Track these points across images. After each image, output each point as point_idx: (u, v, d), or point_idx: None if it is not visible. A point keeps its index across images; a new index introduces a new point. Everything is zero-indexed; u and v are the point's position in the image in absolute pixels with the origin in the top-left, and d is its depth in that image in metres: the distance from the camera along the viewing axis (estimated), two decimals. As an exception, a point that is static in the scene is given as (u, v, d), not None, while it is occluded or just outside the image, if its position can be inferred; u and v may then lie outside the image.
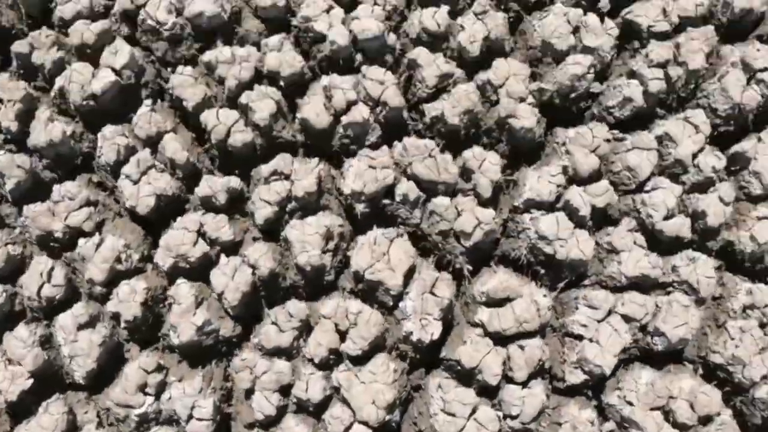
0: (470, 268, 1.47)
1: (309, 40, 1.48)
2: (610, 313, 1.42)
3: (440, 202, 1.42)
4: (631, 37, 1.51)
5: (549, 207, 1.43)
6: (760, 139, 1.49)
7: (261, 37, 1.50)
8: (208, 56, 1.44)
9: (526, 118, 1.43)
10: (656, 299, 1.43)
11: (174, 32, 1.44)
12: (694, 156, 1.44)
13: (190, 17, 1.44)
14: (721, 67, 1.49)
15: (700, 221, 1.44)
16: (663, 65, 1.46)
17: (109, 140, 1.41)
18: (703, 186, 1.45)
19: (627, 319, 1.41)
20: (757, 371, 1.39)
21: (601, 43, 1.45)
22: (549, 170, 1.43)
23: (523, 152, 1.50)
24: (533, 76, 1.52)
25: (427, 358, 1.46)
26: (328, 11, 1.46)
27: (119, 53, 1.42)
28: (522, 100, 1.45)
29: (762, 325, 1.41)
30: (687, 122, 1.44)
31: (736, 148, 1.47)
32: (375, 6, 1.48)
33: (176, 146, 1.40)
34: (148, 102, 1.42)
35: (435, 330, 1.39)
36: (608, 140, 1.49)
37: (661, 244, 1.45)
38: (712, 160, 1.43)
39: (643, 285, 1.43)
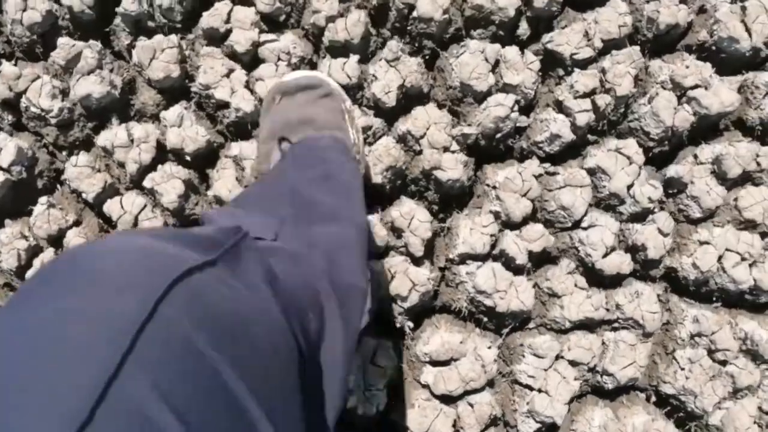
0: (411, 324, 1.42)
1: (212, 105, 1.37)
2: (557, 358, 1.38)
3: (372, 266, 1.35)
4: (554, 65, 1.42)
5: (484, 257, 1.37)
6: (696, 157, 1.43)
7: (159, 108, 1.38)
8: (102, 140, 1.32)
9: (452, 169, 1.36)
10: (603, 336, 1.40)
11: (62, 117, 1.32)
12: (629, 187, 1.38)
13: (77, 100, 1.32)
14: (650, 88, 1.43)
15: (641, 253, 1.39)
16: (589, 94, 1.39)
17: (8, 245, 1.31)
18: (641, 216, 1.40)
19: (574, 363, 1.37)
20: (709, 401, 1.38)
21: (523, 79, 1.36)
22: (481, 221, 1.37)
23: (453, 196, 1.43)
24: (455, 114, 1.43)
25: (377, 418, 1.41)
26: (228, 75, 1.35)
27: (4, 150, 1.30)
28: (446, 149, 1.37)
29: (710, 352, 1.39)
30: (619, 154, 1.38)
31: (671, 172, 1.41)
32: (279, 62, 1.37)
33: (81, 242, 1.30)
34: (43, 200, 1.31)
35: (380, 401, 1.35)
36: (540, 175, 1.42)
37: (603, 278, 1.40)
38: (648, 191, 1.37)
39: (589, 324, 1.39)
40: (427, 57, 1.47)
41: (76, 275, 0.49)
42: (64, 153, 1.39)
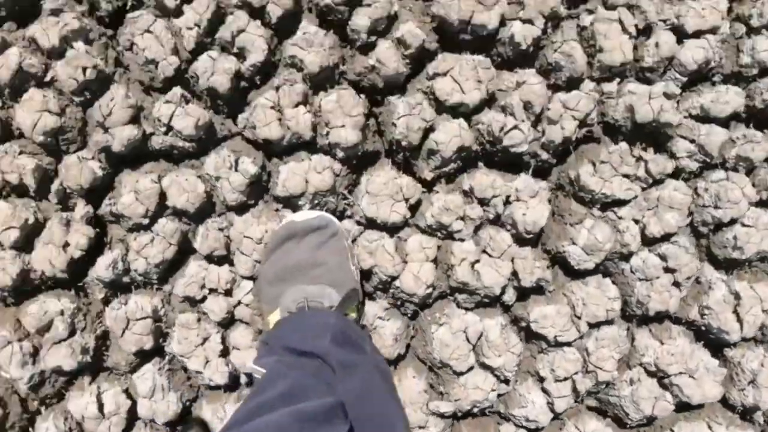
0: None
1: (186, 368, 1.35)
2: None
3: None
4: (537, 337, 1.39)
5: None
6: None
7: (131, 366, 1.36)
8: (73, 407, 1.31)
9: (424, 452, 1.35)
10: None
11: (33, 382, 1.30)
12: (601, 473, 1.37)
13: (47, 369, 1.30)
14: (634, 364, 1.40)
15: None
16: (569, 377, 1.36)
17: None
18: (611, 497, 1.40)
19: None
20: None
21: (504, 362, 1.35)
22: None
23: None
24: (433, 371, 1.41)
25: None
26: (203, 343, 1.32)
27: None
28: (421, 428, 1.35)
29: None
30: (593, 442, 1.37)
31: (645, 457, 1.40)
32: (253, 325, 1.34)
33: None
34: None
35: None
36: (515, 443, 1.42)
37: None
38: (619, 481, 1.37)
39: None
40: (409, 315, 1.44)
41: None
42: (35, 403, 1.38)
